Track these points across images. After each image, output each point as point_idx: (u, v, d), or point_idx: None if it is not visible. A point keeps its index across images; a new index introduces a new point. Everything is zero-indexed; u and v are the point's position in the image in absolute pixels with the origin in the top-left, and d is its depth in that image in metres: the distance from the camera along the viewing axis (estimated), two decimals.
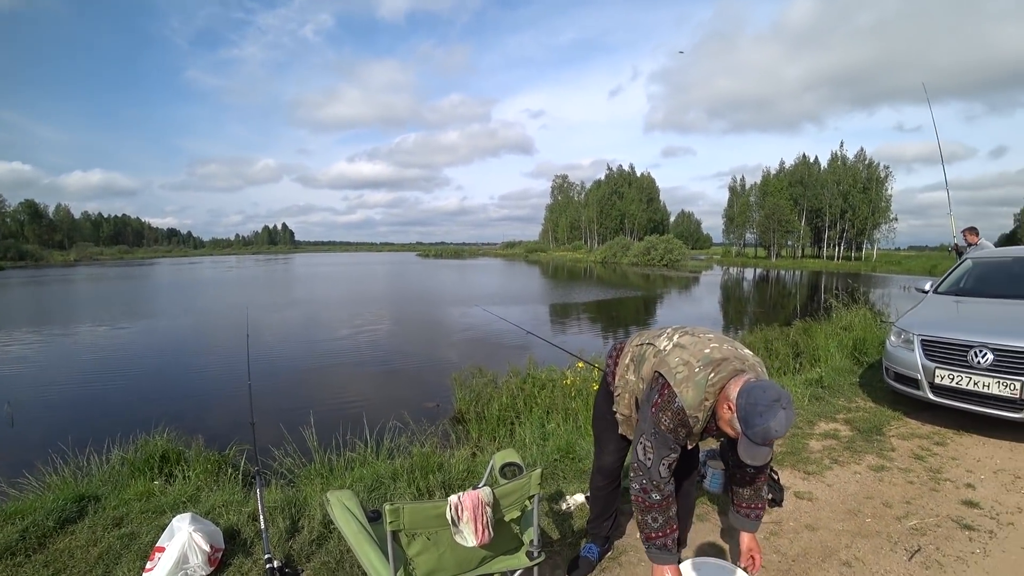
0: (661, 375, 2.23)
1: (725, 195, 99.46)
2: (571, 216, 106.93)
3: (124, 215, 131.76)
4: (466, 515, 2.14)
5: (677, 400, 2.13)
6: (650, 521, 2.27)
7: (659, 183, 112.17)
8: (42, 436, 6.96)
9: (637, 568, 3.05)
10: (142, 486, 4.14)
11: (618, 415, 2.64)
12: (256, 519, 3.44)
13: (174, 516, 3.18)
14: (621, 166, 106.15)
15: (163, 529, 3.36)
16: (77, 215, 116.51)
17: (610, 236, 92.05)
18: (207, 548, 2.95)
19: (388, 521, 2.00)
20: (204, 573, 2.92)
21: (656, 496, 2.24)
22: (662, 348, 2.34)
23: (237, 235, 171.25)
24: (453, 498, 2.12)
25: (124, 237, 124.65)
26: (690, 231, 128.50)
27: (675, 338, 2.34)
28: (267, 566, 2.93)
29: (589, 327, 17.62)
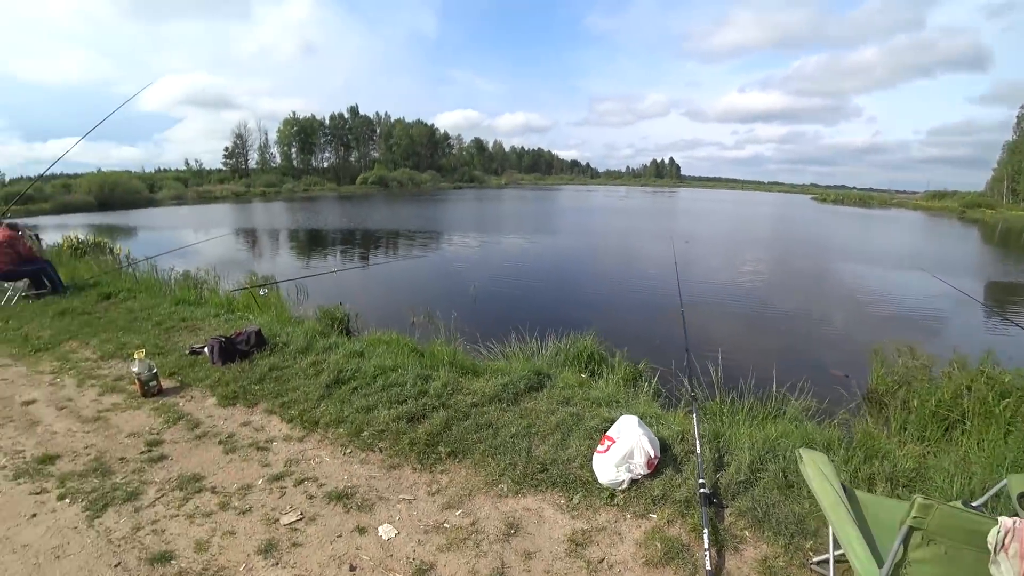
0: None
1: None
2: None
3: (539, 148, 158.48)
4: (1015, 548, 1.65)
5: None
6: None
7: None
8: (495, 314, 9.05)
9: None
10: (572, 376, 4.80)
11: None
12: (685, 440, 3.50)
13: (620, 414, 3.50)
14: None
15: (604, 420, 3.74)
16: (507, 149, 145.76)
17: None
18: (651, 452, 3.12)
19: (912, 515, 1.70)
20: (642, 473, 3.12)
21: None
22: None
23: (628, 167, 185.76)
24: (1007, 521, 1.69)
25: (539, 166, 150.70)
26: None
27: None
28: (700, 490, 2.95)
29: None
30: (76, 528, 2.82)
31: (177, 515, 2.88)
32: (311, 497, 3.05)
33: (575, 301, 10.87)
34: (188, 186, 61.78)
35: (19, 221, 9.60)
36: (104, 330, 6.15)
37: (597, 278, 13.25)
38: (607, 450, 3.20)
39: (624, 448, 3.14)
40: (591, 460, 3.29)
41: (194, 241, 17.42)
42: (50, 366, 5.30)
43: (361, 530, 2.77)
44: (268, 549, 2.61)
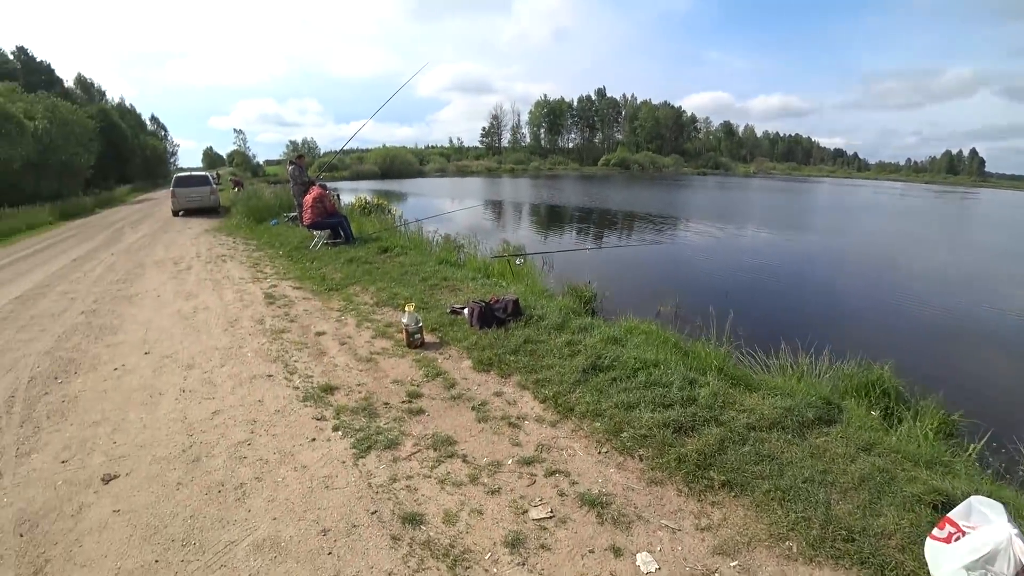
0: None
1: None
2: None
3: (796, 134, 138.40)
4: None
5: None
6: None
7: None
8: (754, 315, 7.58)
9: None
10: (861, 412, 3.48)
11: None
12: None
13: (949, 484, 2.53)
14: None
15: (929, 489, 2.56)
16: (759, 134, 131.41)
17: None
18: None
19: None
20: None
21: None
22: None
23: (908, 159, 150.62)
24: None
25: (794, 155, 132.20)
26: None
27: None
28: None
29: None
30: (344, 463, 2.87)
31: (430, 477, 2.76)
32: (562, 494, 2.64)
33: (853, 315, 8.62)
34: (450, 161, 69.84)
35: (328, 184, 11.42)
36: (380, 279, 6.62)
37: (880, 290, 10.47)
38: (949, 539, 1.97)
39: (983, 545, 1.87)
40: (919, 543, 2.30)
41: (452, 209, 19.11)
42: (338, 304, 5.81)
43: (616, 551, 2.28)
44: (515, 543, 2.30)
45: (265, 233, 11.47)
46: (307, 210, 9.16)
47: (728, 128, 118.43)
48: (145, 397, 3.68)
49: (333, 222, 9.37)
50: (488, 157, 78.92)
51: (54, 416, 3.44)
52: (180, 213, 16.58)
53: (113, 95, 56.03)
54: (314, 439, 3.10)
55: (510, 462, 2.88)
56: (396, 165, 51.90)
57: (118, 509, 2.51)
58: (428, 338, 4.62)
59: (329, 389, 3.72)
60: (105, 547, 2.28)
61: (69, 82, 43.36)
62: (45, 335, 5.02)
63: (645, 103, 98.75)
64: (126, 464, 2.88)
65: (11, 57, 36.26)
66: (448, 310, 5.20)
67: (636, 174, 69.97)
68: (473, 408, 3.46)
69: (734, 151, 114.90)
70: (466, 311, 4.88)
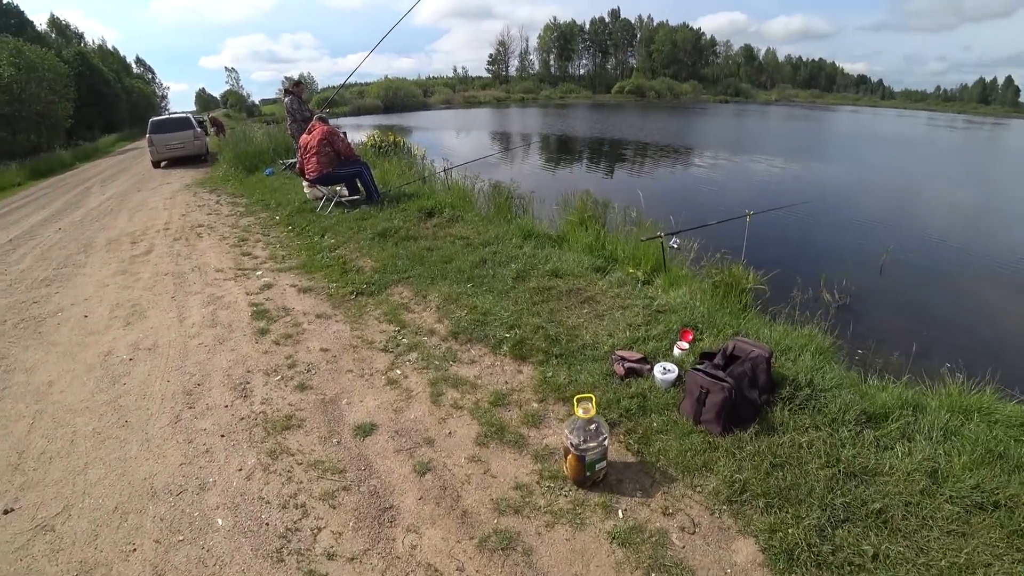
0: None
1: None
2: None
3: (820, 59, 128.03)
4: None
5: None
6: None
7: None
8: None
9: None
10: None
11: None
12: None
13: None
14: None
15: None
16: (780, 58, 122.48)
17: None
18: None
19: None
20: None
21: None
22: None
23: (937, 87, 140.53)
24: None
25: (817, 81, 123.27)
26: None
27: None
28: None
29: None
30: None
31: None
32: None
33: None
34: (455, 91, 65.05)
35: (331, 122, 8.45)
36: (441, 272, 4.03)
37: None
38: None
39: None
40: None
41: (494, 151, 16.05)
42: (380, 331, 3.27)
43: None
44: None
45: (258, 187, 8.74)
46: (310, 157, 6.36)
47: (748, 52, 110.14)
48: None
49: (350, 172, 6.60)
50: (495, 87, 73.49)
51: None
52: (162, 164, 13.71)
53: (93, 38, 50.62)
54: None
55: None
56: (399, 98, 47.94)
57: None
58: (612, 453, 2.10)
59: None
60: None
61: (42, 25, 38.85)
62: None
63: (662, 25, 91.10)
64: None
65: None
66: (613, 364, 2.64)
67: (652, 102, 64.94)
68: None
69: (754, 77, 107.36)
70: (690, 391, 2.29)
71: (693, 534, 1.82)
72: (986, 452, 2.10)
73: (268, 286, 4.18)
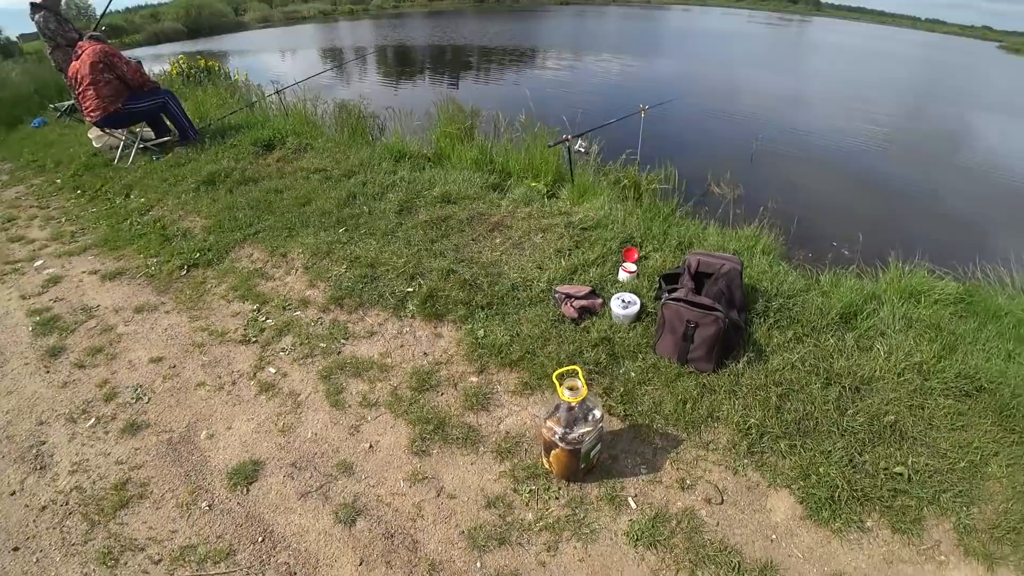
0: None
1: None
2: None
3: None
4: None
5: None
6: None
7: None
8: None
9: None
10: None
11: None
12: None
13: None
14: None
15: None
16: None
17: None
18: None
19: None
20: None
21: None
22: None
23: None
24: None
25: None
26: None
27: None
28: None
29: None
30: None
31: None
32: None
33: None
34: (272, 7, 56.66)
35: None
36: (303, 222, 3.14)
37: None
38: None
39: None
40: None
41: (328, 67, 13.87)
42: (232, 314, 2.42)
43: None
44: None
45: (26, 144, 6.58)
46: (84, 90, 4.69)
47: None
48: None
49: (150, 105, 4.99)
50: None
51: None
52: None
53: None
54: None
55: None
56: (205, 18, 40.27)
57: None
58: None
59: None
60: None
61: None
62: None
63: None
64: None
65: None
66: (560, 305, 2.11)
67: (492, 6, 62.00)
68: None
69: None
70: (671, 326, 1.80)
71: (721, 503, 1.44)
72: (949, 335, 1.99)
73: (55, 280, 2.99)
